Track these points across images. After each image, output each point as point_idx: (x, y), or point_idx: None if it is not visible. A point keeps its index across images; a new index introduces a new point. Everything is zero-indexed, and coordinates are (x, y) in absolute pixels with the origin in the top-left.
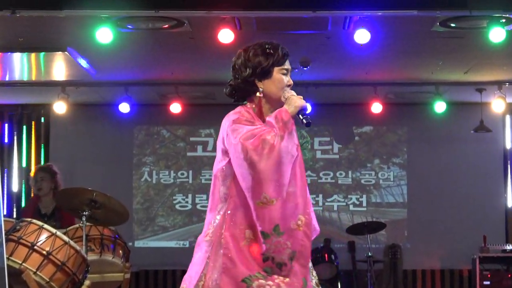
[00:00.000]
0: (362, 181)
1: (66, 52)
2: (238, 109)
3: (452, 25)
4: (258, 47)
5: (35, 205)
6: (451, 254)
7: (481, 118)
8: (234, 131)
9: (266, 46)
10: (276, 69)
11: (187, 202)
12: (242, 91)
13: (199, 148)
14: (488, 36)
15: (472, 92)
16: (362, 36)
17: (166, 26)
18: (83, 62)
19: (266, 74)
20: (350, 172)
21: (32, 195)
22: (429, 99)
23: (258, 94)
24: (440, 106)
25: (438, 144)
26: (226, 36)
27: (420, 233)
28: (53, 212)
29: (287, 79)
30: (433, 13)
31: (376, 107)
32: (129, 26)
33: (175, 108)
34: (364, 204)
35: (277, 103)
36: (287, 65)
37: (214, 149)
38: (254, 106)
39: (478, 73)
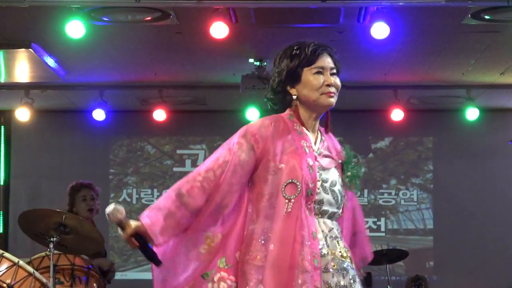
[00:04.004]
0: (380, 202)
1: (30, 49)
2: (272, 116)
3: (487, 17)
4: (287, 49)
5: None
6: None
7: None
8: (223, 145)
9: (294, 47)
10: (305, 70)
11: None
12: (279, 102)
13: (188, 162)
14: None
15: (509, 97)
16: (380, 30)
17: (149, 18)
18: (51, 61)
19: (295, 78)
20: (366, 191)
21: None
22: (459, 105)
23: (293, 102)
24: (472, 113)
25: (470, 158)
26: (219, 30)
27: (449, 264)
28: None
29: (323, 79)
30: (464, 3)
31: (397, 114)
32: (105, 19)
33: (159, 115)
34: (383, 229)
35: (315, 108)
36: (320, 62)
37: None
38: (292, 113)
39: None
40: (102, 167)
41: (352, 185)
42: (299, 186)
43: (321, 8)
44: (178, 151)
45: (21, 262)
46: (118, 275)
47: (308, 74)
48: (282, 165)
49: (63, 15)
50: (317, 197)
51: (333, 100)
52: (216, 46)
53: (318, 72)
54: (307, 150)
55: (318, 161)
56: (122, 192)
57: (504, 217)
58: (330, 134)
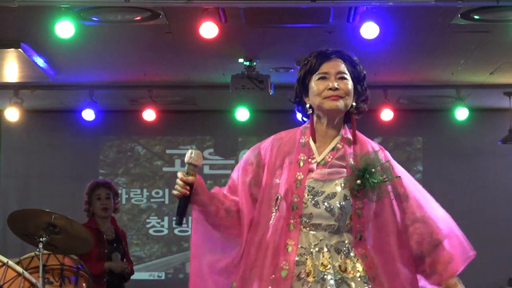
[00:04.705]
0: None
1: (19, 49)
2: (283, 132)
3: (476, 17)
4: (304, 59)
5: (96, 229)
6: (477, 287)
7: (510, 126)
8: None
9: (307, 56)
10: (311, 77)
11: (162, 226)
12: (304, 113)
13: (177, 162)
14: None
15: (499, 97)
16: (369, 30)
17: (138, 18)
18: (40, 61)
19: (305, 87)
20: None
21: (90, 216)
22: (449, 105)
23: (309, 111)
24: (461, 113)
25: (459, 158)
26: (209, 30)
27: None
28: (117, 235)
29: (325, 84)
30: (453, 3)
31: (386, 114)
32: (94, 18)
33: (149, 115)
34: None
35: (323, 114)
36: (324, 68)
37: None
38: (307, 124)
39: (506, 74)
40: (92, 167)
41: (361, 194)
42: (279, 201)
43: (311, 8)
44: (168, 151)
45: (10, 262)
46: None
47: (312, 81)
48: (277, 180)
49: (53, 15)
50: (304, 211)
51: (338, 103)
52: (205, 46)
53: (322, 78)
54: (301, 164)
55: (313, 173)
56: None
57: (493, 217)
58: (365, 141)
